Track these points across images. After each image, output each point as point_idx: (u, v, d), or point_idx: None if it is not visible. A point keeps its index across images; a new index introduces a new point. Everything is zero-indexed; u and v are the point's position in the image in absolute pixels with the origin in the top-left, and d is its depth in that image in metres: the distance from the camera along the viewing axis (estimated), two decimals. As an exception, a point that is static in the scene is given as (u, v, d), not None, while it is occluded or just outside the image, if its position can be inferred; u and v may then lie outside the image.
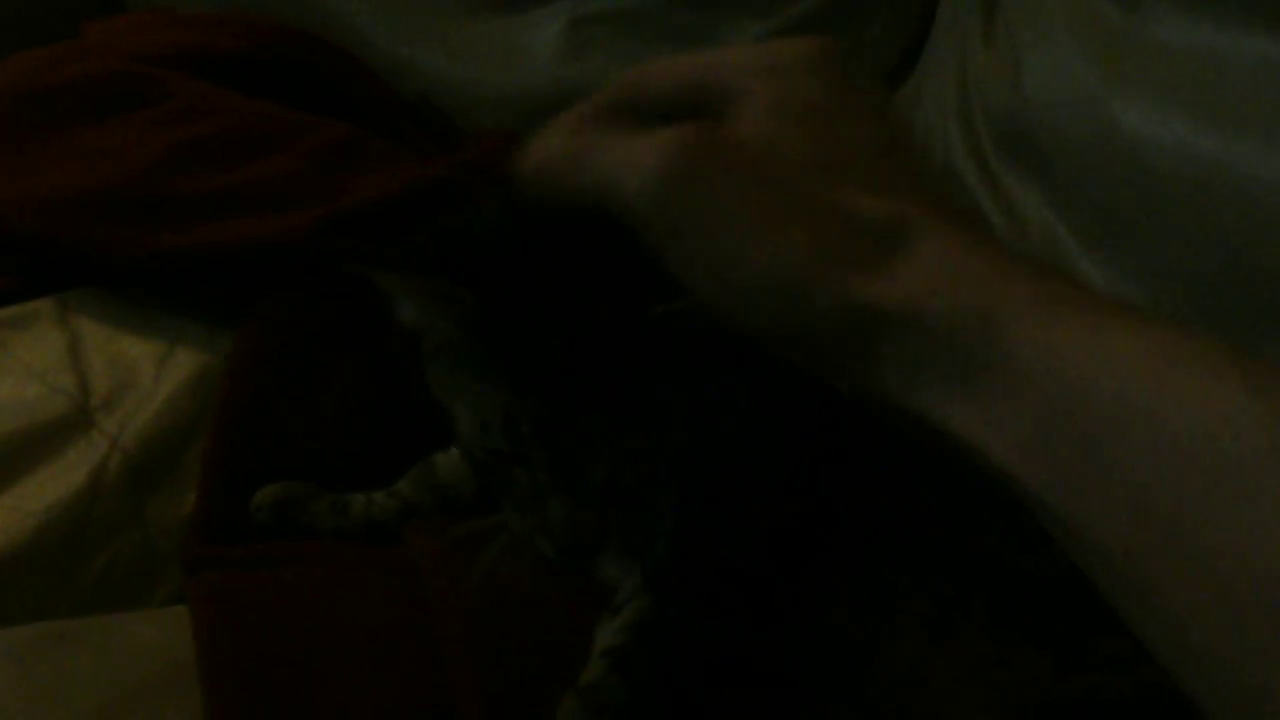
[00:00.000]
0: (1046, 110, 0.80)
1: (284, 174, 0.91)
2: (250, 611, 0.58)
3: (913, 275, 0.35)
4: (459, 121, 1.15)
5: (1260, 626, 0.28)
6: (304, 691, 0.54)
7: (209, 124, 0.94)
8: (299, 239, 0.82)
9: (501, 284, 0.51)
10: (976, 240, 0.36)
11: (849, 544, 0.58)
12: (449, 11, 1.16)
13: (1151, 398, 0.31)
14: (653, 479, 0.54)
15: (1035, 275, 0.35)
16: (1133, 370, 0.31)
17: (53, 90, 0.96)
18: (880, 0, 1.04)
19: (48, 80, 0.96)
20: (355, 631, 0.59)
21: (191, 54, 1.03)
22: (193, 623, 0.57)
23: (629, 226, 0.38)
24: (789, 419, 0.55)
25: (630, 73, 0.41)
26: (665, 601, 0.56)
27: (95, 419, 0.75)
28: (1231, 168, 0.67)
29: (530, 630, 0.58)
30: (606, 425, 0.52)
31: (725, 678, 0.57)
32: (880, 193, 0.36)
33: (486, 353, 0.53)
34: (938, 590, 0.57)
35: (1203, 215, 0.69)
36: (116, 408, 0.76)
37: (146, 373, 0.79)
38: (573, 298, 0.50)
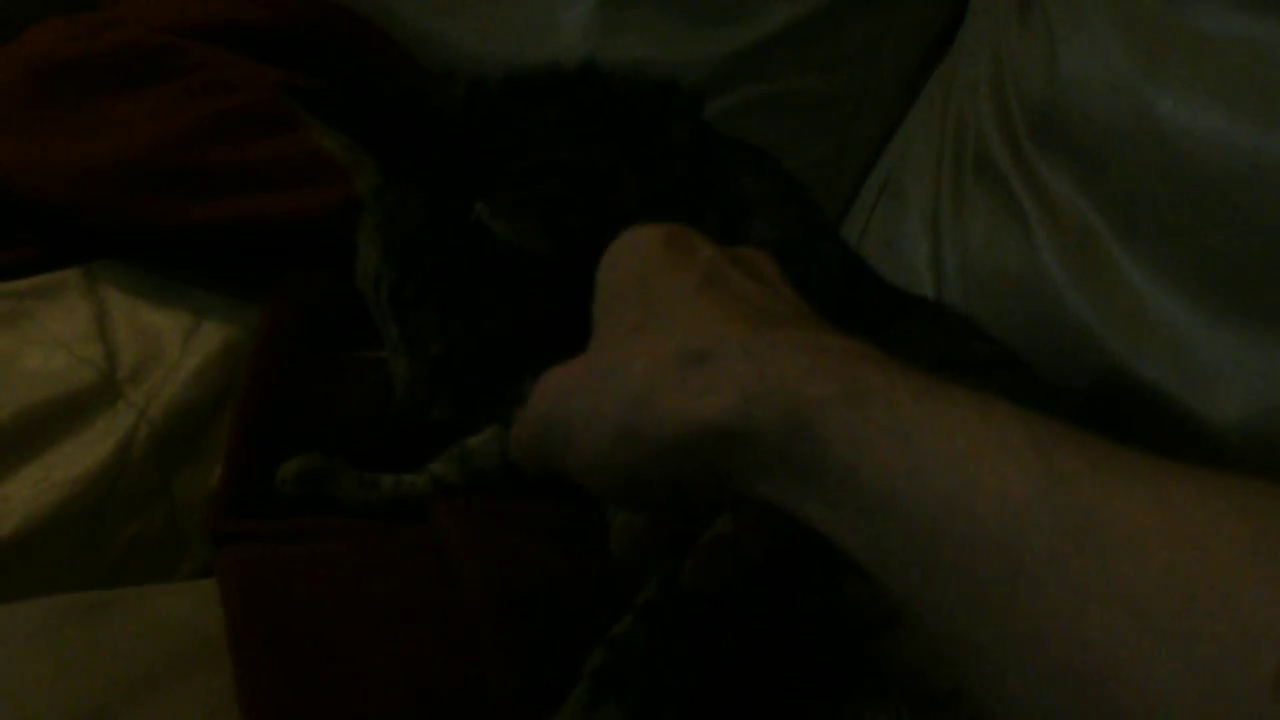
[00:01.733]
0: (1082, 97, 0.79)
1: (311, 148, 0.90)
2: (279, 585, 0.58)
3: (725, 389, 0.38)
4: (486, 97, 1.15)
5: (1075, 710, 0.29)
6: (333, 664, 0.54)
7: (237, 96, 0.93)
8: (326, 213, 0.82)
9: (426, 154, 0.62)
10: (785, 342, 0.39)
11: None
12: (479, -15, 1.16)
13: (961, 493, 0.32)
14: (487, 370, 0.63)
15: (842, 366, 0.37)
16: (943, 468, 0.33)
17: (80, 60, 0.95)
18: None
19: (75, 50, 0.96)
20: (383, 605, 0.59)
21: (220, 25, 1.03)
22: (221, 596, 0.58)
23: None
24: None
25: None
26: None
27: (122, 390, 0.75)
28: (1269, 158, 0.66)
29: (559, 603, 0.58)
30: (439, 314, 0.61)
31: (749, 649, 0.57)
32: (688, 327, 0.41)
33: (378, 212, 0.64)
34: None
35: (1238, 205, 0.68)
36: (144, 379, 0.76)
37: (173, 344, 0.79)
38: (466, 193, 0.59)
